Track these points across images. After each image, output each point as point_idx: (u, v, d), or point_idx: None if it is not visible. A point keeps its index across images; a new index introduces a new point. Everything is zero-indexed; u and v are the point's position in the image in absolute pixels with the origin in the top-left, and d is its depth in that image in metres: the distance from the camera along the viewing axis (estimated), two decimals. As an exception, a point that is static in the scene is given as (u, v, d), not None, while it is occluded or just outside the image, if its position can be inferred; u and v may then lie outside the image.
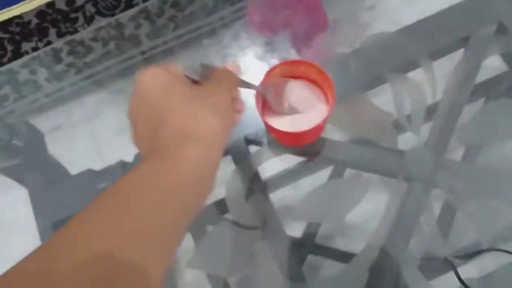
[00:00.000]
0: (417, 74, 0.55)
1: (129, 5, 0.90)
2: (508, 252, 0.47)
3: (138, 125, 0.34)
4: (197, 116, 0.32)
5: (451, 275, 0.49)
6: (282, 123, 0.49)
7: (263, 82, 0.49)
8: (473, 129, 0.55)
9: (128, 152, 0.66)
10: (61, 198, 0.62)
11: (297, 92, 0.50)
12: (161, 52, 0.95)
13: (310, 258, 0.57)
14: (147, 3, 0.87)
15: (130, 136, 0.36)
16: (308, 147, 0.55)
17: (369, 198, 0.54)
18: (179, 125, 0.31)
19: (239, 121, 0.43)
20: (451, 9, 0.61)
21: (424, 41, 0.57)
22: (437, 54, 0.58)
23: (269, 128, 0.50)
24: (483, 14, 0.60)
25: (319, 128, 0.50)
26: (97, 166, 0.64)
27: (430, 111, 0.54)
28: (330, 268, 0.57)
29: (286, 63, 0.50)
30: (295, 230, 0.57)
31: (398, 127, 0.54)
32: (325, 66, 0.51)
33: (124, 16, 0.89)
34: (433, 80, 0.54)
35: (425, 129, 0.54)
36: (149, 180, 0.29)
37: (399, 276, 0.51)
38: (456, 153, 0.59)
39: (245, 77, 0.41)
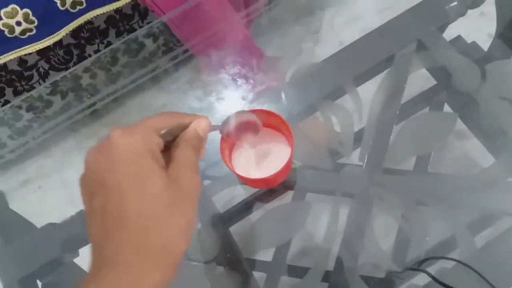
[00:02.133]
0: (345, 100, 0.59)
1: (81, 57, 0.94)
2: (446, 258, 0.51)
3: (93, 200, 0.29)
4: (165, 225, 0.27)
5: None
6: (253, 171, 0.52)
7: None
8: (408, 138, 0.59)
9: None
10: (24, 255, 0.63)
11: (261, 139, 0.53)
12: (121, 95, 0.97)
13: (283, 279, 0.60)
14: (99, 54, 0.91)
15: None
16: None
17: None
18: (139, 234, 0.26)
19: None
20: (373, 33, 0.65)
21: (349, 67, 0.62)
22: (363, 77, 0.62)
23: (241, 177, 0.52)
24: (402, 35, 0.65)
25: (287, 168, 0.53)
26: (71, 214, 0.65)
27: (361, 133, 0.58)
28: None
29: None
30: (267, 254, 0.59)
31: (333, 152, 0.57)
32: (259, 101, 0.54)
33: (78, 68, 0.92)
34: (359, 104, 0.58)
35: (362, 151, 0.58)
36: None
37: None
38: (408, 164, 0.63)
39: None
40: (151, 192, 0.28)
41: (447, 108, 0.71)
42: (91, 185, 0.29)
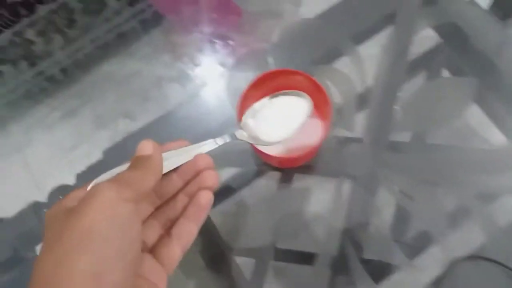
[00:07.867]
0: (343, 62, 0.50)
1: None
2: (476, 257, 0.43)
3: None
4: (53, 263, 0.24)
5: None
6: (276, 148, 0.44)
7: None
8: (415, 109, 0.51)
9: (65, 176, 0.64)
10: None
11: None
12: (86, 62, 0.87)
13: (273, 264, 0.53)
14: (49, 10, 0.78)
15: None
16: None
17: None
18: (36, 275, 0.24)
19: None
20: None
21: (346, 24, 0.52)
22: (362, 36, 0.53)
23: (263, 155, 0.44)
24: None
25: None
26: (38, 198, 0.61)
27: (363, 101, 0.49)
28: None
29: (263, 77, 0.43)
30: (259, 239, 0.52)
31: (332, 126, 0.48)
32: (241, 65, 0.45)
33: (30, 32, 0.80)
34: (360, 66, 0.49)
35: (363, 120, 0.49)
36: None
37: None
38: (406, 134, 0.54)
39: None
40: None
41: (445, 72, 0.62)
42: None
